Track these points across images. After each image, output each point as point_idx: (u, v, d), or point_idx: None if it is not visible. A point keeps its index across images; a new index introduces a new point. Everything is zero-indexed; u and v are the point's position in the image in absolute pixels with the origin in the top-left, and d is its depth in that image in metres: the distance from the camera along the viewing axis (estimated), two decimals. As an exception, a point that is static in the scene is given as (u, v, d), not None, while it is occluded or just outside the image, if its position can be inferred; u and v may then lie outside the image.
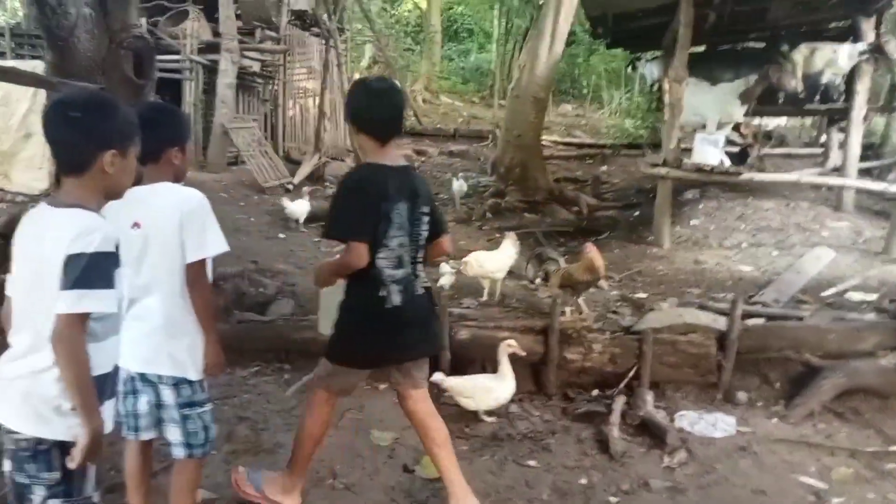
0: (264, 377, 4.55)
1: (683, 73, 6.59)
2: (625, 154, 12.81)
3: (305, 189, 8.39)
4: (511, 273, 5.97)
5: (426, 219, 2.75)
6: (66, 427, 1.76)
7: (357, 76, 21.42)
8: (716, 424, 3.97)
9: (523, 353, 4.04)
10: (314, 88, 10.54)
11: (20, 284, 1.82)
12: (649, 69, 9.63)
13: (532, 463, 3.63)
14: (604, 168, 11.51)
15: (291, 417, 4.02)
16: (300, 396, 4.28)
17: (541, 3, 15.68)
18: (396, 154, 2.76)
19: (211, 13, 9.73)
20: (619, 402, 4.16)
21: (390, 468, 3.56)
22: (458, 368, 4.50)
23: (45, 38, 4.84)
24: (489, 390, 3.96)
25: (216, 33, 8.90)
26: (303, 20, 10.92)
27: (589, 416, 4.16)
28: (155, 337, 2.43)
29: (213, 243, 2.45)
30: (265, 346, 4.74)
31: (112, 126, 1.81)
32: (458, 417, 4.13)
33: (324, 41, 10.12)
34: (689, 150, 7.89)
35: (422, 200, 2.73)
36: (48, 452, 1.77)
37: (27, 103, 7.07)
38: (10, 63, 7.71)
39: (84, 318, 1.70)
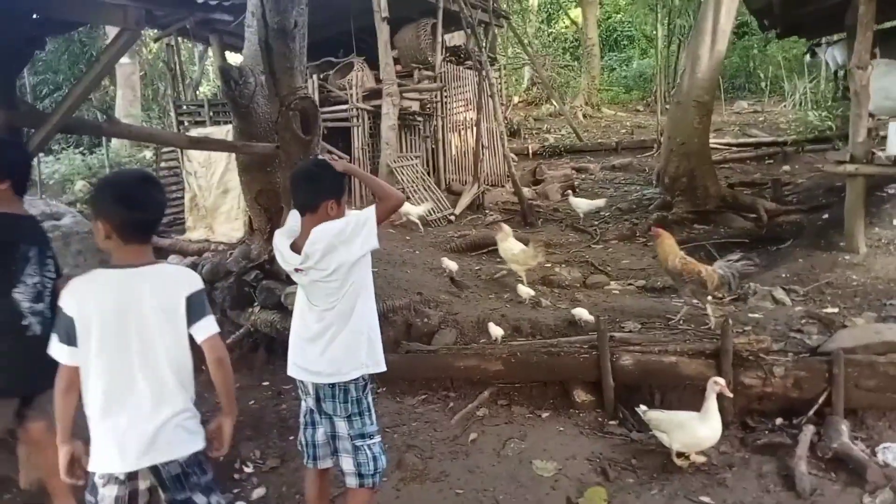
0: (431, 405, 4.72)
1: (867, 58, 5.86)
2: (810, 150, 11.55)
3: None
4: (676, 291, 5.68)
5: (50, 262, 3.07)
6: (202, 437, 2.22)
7: (517, 100, 21.87)
8: (929, 458, 3.45)
9: (730, 395, 3.79)
10: (472, 120, 10.86)
11: None
12: (831, 54, 8.74)
13: (706, 499, 3.41)
14: (786, 168, 10.49)
15: (456, 446, 4.13)
16: (464, 425, 4.40)
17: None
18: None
19: (374, 61, 10.44)
20: (808, 433, 3.78)
21: (553, 500, 3.53)
22: (621, 397, 4.38)
23: (231, 106, 5.53)
24: (685, 427, 3.68)
25: (378, 80, 9.56)
26: (457, 55, 11.35)
27: (771, 447, 3.81)
28: (340, 349, 2.68)
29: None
30: (431, 374, 4.93)
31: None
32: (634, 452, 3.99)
33: (477, 73, 10.42)
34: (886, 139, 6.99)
35: (48, 248, 3.09)
36: (199, 460, 2.20)
37: (224, 163, 8.08)
38: (208, 129, 8.93)
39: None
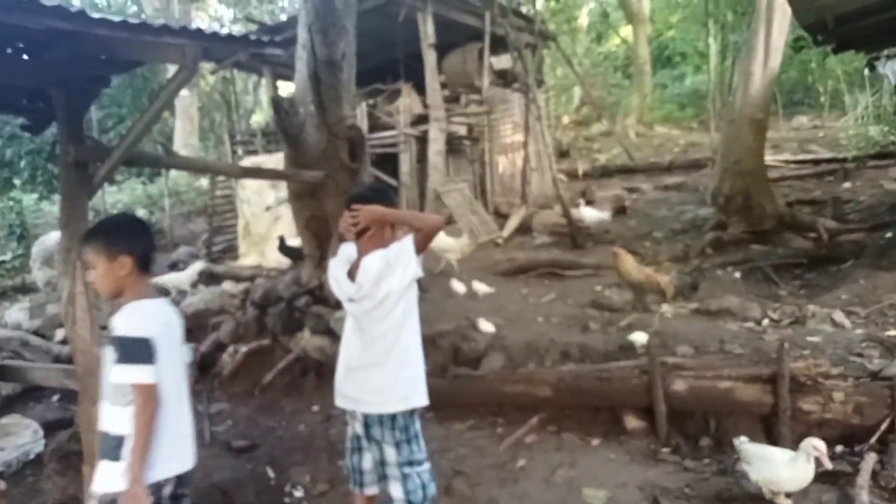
0: (479, 431, 4.69)
1: (929, 71, 5.65)
2: (872, 166, 11.08)
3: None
4: (733, 315, 5.53)
5: None
6: None
7: (567, 120, 21.78)
8: None
9: (829, 466, 3.33)
10: (519, 142, 10.88)
11: None
12: (891, 67, 8.39)
13: (763, 530, 3.28)
14: (847, 185, 10.11)
15: (504, 472, 4.10)
16: (513, 451, 4.35)
17: (754, 15, 14.57)
18: None
19: (421, 86, 10.59)
20: (870, 461, 3.61)
21: (603, 529, 3.45)
22: (674, 424, 4.27)
23: (282, 136, 5.68)
24: (770, 463, 3.43)
25: (426, 105, 9.70)
26: (504, 78, 11.43)
27: (832, 475, 3.63)
28: (384, 380, 2.68)
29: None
30: (479, 400, 4.91)
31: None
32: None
33: (524, 95, 10.45)
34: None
35: None
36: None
37: (275, 191, 8.33)
38: (261, 157, 9.23)
39: None
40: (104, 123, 17.03)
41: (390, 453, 2.73)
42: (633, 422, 4.45)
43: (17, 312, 8.34)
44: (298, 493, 4.13)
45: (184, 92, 16.62)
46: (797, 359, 4.20)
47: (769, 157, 10.66)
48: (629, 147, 15.74)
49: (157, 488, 2.25)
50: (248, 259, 8.35)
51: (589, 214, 9.20)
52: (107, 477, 2.28)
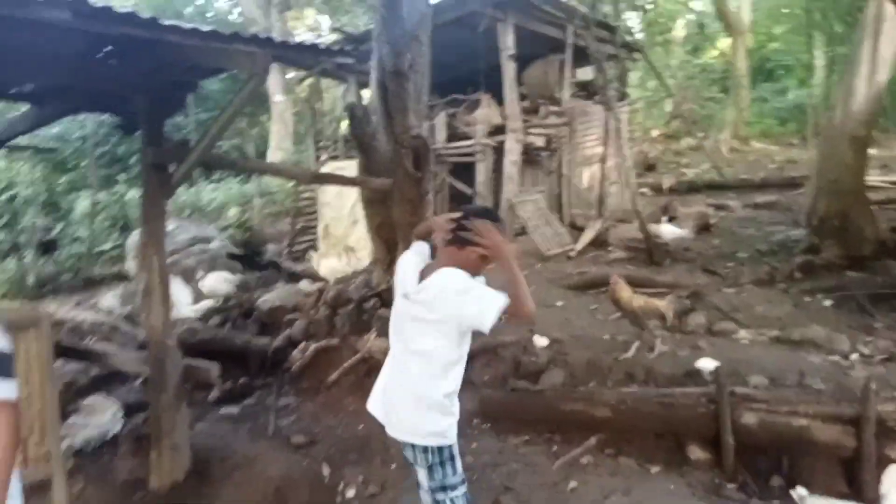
0: (534, 447, 4.57)
1: None
2: None
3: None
4: (817, 346, 5.15)
5: None
6: None
7: (656, 133, 21.16)
8: None
9: None
10: (599, 155, 10.65)
11: None
12: None
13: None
14: (964, 209, 9.25)
15: (555, 493, 3.97)
16: (566, 471, 4.22)
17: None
18: None
19: (502, 97, 10.56)
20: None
21: (654, 565, 3.27)
22: (742, 459, 4.02)
23: (356, 143, 5.81)
24: None
25: (505, 115, 9.67)
26: (586, 90, 11.24)
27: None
28: (406, 410, 2.59)
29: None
30: (536, 415, 4.79)
31: None
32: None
33: (605, 108, 10.23)
34: None
35: None
36: None
37: (355, 195, 8.50)
38: (341, 163, 9.49)
39: None
40: (208, 125, 17.91)
41: (422, 475, 2.62)
42: (697, 452, 4.22)
43: (110, 299, 8.91)
44: (350, 493, 4.16)
45: (279, 97, 17.33)
46: (887, 400, 3.87)
47: (875, 177, 9.93)
48: (720, 162, 15.10)
49: None
50: (327, 260, 8.56)
51: (667, 231, 8.88)
52: None
